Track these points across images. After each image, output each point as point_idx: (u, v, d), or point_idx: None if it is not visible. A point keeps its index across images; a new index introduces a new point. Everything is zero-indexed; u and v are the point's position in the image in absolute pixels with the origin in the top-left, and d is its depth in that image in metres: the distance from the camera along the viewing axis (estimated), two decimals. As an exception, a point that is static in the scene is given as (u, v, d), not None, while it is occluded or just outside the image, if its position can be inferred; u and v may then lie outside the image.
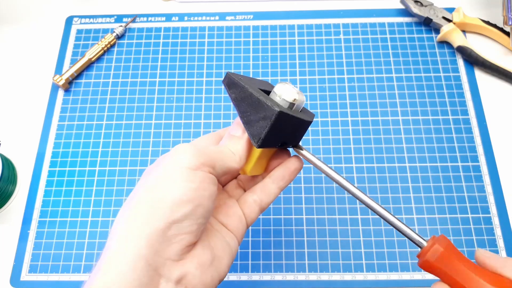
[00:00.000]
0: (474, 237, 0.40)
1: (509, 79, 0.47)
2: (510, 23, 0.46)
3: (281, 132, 0.27)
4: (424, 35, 0.50)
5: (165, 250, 0.23)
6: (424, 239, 0.26)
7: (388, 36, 0.50)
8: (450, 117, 0.46)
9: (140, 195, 0.24)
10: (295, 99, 0.27)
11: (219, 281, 0.26)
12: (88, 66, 0.50)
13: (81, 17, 0.53)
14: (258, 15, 0.53)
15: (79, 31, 0.52)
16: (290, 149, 0.31)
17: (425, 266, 0.26)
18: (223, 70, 0.49)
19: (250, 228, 0.41)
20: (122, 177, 0.44)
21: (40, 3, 0.55)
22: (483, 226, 0.41)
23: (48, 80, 0.50)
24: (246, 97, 0.27)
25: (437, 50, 0.50)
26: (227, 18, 0.53)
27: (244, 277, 0.39)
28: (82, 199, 0.43)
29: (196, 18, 0.53)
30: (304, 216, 0.42)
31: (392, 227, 0.28)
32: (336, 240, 0.41)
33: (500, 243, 0.40)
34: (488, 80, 0.48)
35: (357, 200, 0.42)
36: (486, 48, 0.49)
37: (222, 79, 0.29)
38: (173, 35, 0.52)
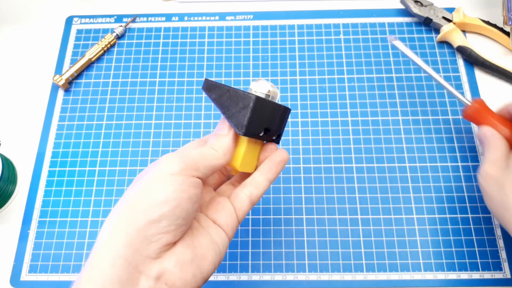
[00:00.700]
0: (474, 237, 0.40)
1: (509, 79, 0.47)
2: (510, 23, 0.46)
3: (261, 118, 0.29)
4: (424, 35, 0.50)
5: (144, 249, 0.24)
6: (468, 101, 0.41)
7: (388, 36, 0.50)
8: (450, 117, 0.46)
9: (124, 199, 0.26)
10: (269, 90, 0.30)
11: (203, 279, 0.27)
12: (88, 66, 0.50)
13: (81, 17, 0.53)
14: (258, 15, 0.53)
15: (79, 31, 0.52)
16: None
17: (467, 116, 0.41)
18: (223, 70, 0.49)
19: (250, 228, 0.41)
20: (122, 177, 0.44)
21: (40, 3, 0.55)
22: (483, 226, 0.41)
23: (48, 80, 0.50)
24: (225, 93, 0.29)
25: (437, 50, 0.50)
26: (227, 18, 0.53)
27: (244, 277, 0.39)
28: (82, 199, 0.43)
29: (196, 18, 0.53)
30: (304, 216, 0.42)
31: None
32: (336, 240, 0.41)
33: (500, 243, 0.40)
34: (488, 80, 0.48)
35: (357, 200, 0.42)
36: (486, 48, 0.50)
37: (201, 86, 0.30)
38: (173, 35, 0.52)
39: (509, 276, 0.39)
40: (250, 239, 0.41)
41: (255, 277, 0.39)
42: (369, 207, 0.42)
